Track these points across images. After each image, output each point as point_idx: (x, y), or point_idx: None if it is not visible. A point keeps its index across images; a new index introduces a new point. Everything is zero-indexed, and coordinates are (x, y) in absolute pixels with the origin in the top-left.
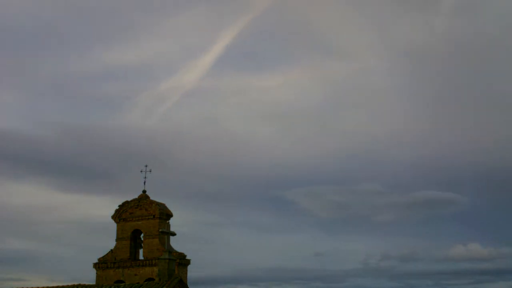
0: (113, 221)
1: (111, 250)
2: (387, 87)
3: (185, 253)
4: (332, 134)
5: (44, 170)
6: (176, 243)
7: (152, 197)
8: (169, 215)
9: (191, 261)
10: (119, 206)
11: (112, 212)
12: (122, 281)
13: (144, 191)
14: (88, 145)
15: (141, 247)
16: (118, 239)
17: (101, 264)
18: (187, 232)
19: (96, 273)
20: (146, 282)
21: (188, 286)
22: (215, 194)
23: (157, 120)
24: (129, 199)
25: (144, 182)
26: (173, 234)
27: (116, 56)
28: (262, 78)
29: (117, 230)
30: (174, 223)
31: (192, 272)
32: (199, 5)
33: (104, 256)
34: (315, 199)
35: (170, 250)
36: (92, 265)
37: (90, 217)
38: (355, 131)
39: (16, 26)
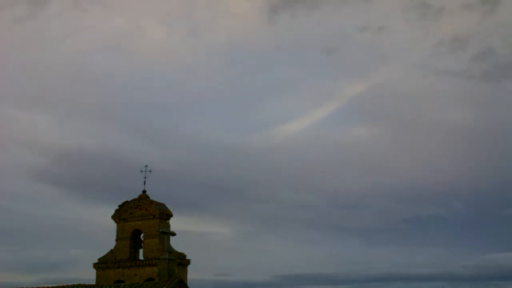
0: None
1: (111, 250)
2: None
3: (185, 253)
4: None
5: None
6: (176, 243)
7: (152, 197)
8: (169, 215)
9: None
10: (119, 206)
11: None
12: (122, 281)
13: (144, 191)
14: None
15: (141, 247)
16: (118, 239)
17: (101, 264)
18: None
19: (96, 273)
20: (146, 282)
21: (188, 286)
22: None
23: None
24: (129, 199)
25: (144, 182)
26: (173, 234)
27: None
28: None
29: (117, 230)
30: None
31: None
32: None
33: (104, 256)
34: None
35: (170, 250)
36: (92, 265)
37: None
38: None
39: None
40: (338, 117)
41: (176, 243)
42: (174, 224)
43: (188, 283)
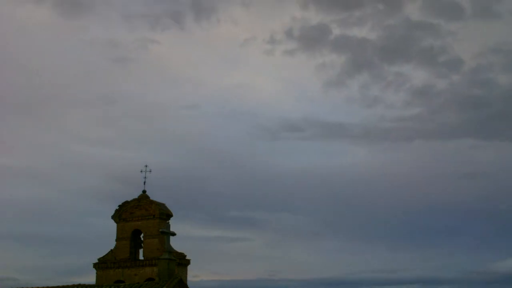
0: None
1: (111, 250)
2: None
3: (185, 253)
4: None
5: None
6: (176, 243)
7: (152, 197)
8: (169, 215)
9: None
10: (119, 206)
11: None
12: (122, 281)
13: (144, 191)
14: None
15: (141, 247)
16: (118, 239)
17: (101, 264)
18: None
19: (96, 273)
20: (146, 282)
21: (188, 286)
22: None
23: None
24: (129, 199)
25: (144, 182)
26: (173, 234)
27: None
28: None
29: (117, 230)
30: None
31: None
32: None
33: (104, 256)
34: None
35: (170, 250)
36: (92, 265)
37: None
38: None
39: None
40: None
41: (176, 243)
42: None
43: (189, 283)
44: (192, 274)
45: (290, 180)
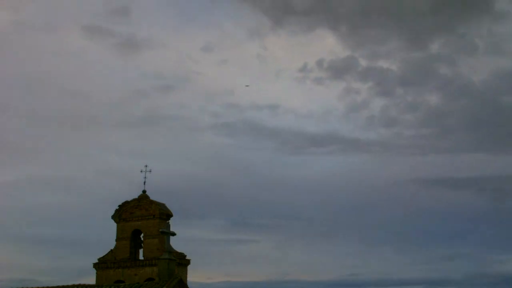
0: None
1: (111, 250)
2: None
3: (185, 253)
4: None
5: None
6: (176, 243)
7: (152, 197)
8: (169, 215)
9: None
10: (119, 206)
11: None
12: (122, 281)
13: (144, 191)
14: None
15: (141, 247)
16: (118, 239)
17: (101, 264)
18: None
19: (96, 273)
20: (146, 282)
21: (188, 286)
22: None
23: None
24: (129, 199)
25: (144, 182)
26: (173, 234)
27: None
28: None
29: (117, 230)
30: None
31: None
32: None
33: (104, 256)
34: None
35: (170, 250)
36: (92, 265)
37: None
38: None
39: None
40: None
41: (176, 243)
42: None
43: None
44: (207, 276)
45: (312, 188)
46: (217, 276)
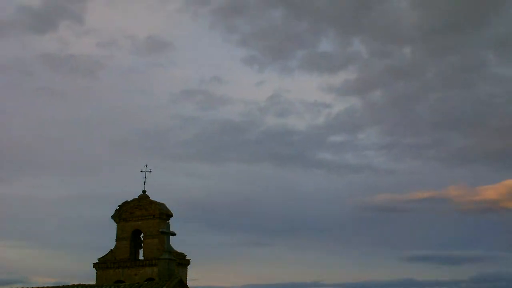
0: None
1: (111, 250)
2: None
3: (185, 253)
4: None
5: None
6: (176, 243)
7: (152, 197)
8: (169, 215)
9: None
10: (119, 206)
11: None
12: (122, 281)
13: (144, 191)
14: None
15: (141, 247)
16: (118, 239)
17: (101, 264)
18: None
19: (96, 273)
20: (146, 282)
21: (188, 286)
22: None
23: None
24: (129, 199)
25: (144, 182)
26: (173, 234)
27: None
28: None
29: (117, 230)
30: None
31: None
32: None
33: (104, 256)
34: None
35: (170, 250)
36: (92, 265)
37: None
38: None
39: None
40: None
41: (176, 243)
42: None
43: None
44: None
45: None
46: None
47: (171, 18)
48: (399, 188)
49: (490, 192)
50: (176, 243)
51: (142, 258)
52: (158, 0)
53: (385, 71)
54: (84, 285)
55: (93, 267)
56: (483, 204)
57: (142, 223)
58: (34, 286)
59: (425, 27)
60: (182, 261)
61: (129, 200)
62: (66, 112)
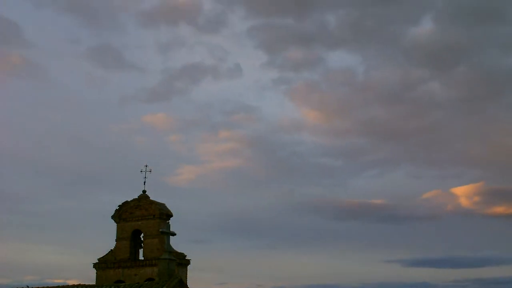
0: None
1: (111, 250)
2: None
3: (185, 253)
4: None
5: None
6: (176, 243)
7: (152, 197)
8: (169, 215)
9: None
10: (119, 206)
11: None
12: (122, 281)
13: (144, 191)
14: None
15: (141, 247)
16: (118, 239)
17: (101, 264)
18: None
19: (96, 273)
20: (146, 282)
21: (188, 286)
22: None
23: None
24: (129, 199)
25: (144, 182)
26: (173, 234)
27: None
28: None
29: (117, 230)
30: None
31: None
32: None
33: (104, 256)
34: None
35: (170, 250)
36: (92, 265)
37: None
38: None
39: None
40: None
41: (176, 243)
42: None
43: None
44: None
45: None
46: None
47: None
48: None
49: None
50: (176, 243)
51: (142, 258)
52: None
53: None
54: (84, 285)
55: (93, 267)
56: None
57: (142, 223)
58: (34, 286)
59: None
60: (182, 261)
61: (129, 200)
62: None
